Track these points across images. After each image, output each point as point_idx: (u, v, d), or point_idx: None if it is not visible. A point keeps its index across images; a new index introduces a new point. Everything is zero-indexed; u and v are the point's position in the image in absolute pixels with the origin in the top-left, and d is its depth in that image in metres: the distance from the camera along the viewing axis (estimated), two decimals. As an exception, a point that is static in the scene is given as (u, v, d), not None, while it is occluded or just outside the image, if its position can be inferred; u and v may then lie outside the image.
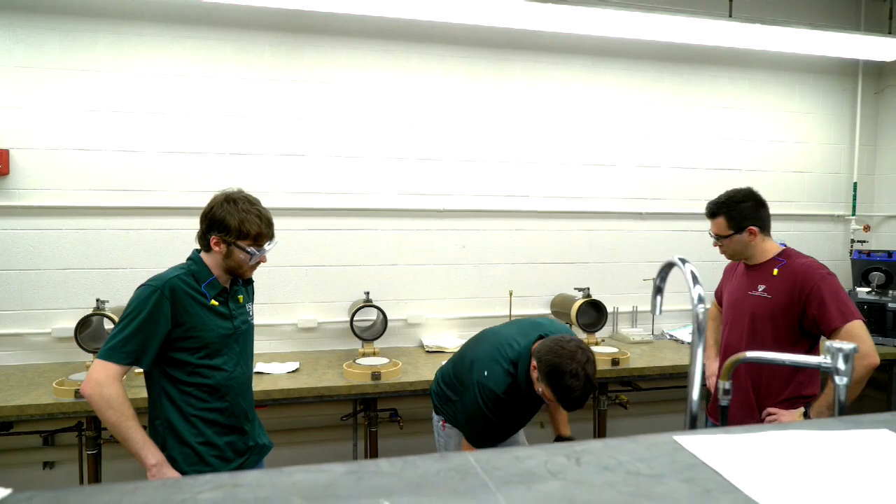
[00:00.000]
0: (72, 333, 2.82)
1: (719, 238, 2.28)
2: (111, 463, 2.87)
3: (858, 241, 4.26)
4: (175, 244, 3.19)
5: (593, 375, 1.91)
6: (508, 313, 3.63)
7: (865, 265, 3.92)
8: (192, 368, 1.80)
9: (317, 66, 3.37)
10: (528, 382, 2.06)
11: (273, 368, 2.95)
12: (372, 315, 3.38)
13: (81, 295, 3.13)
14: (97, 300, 2.90)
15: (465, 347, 2.37)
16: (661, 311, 1.32)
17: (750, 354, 1.30)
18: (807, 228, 4.24)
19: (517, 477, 0.72)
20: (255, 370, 2.33)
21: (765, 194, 2.31)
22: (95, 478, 2.67)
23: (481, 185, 3.65)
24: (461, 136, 3.61)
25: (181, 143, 3.21)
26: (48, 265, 3.10)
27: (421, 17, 2.98)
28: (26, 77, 3.02)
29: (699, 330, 1.11)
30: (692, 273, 1.13)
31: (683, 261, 1.17)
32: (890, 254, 3.83)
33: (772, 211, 2.31)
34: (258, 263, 1.89)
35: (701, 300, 1.10)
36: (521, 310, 3.70)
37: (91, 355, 2.78)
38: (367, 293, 3.36)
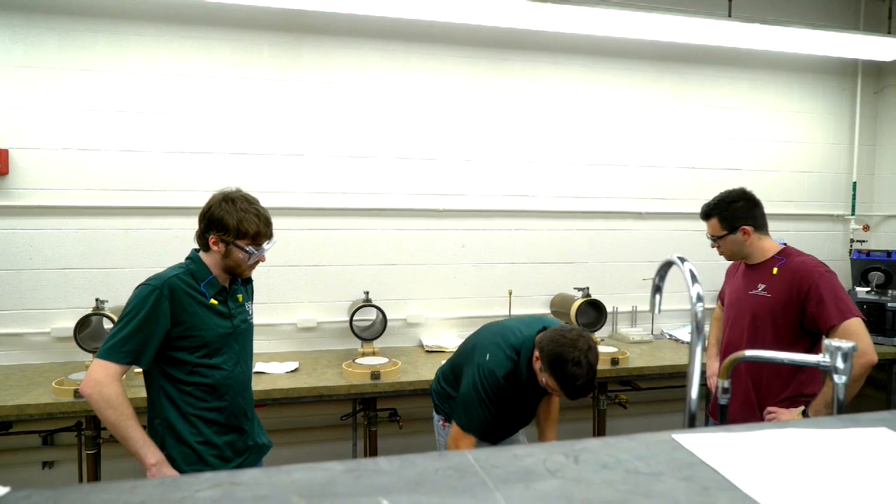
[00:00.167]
0: (71, 333, 2.82)
1: (715, 239, 2.30)
2: (110, 462, 2.87)
3: (858, 241, 4.27)
4: (174, 244, 3.19)
5: (596, 363, 1.93)
6: (508, 313, 3.63)
7: (865, 265, 3.93)
8: (191, 368, 1.80)
9: (316, 66, 3.37)
10: (529, 373, 2.06)
11: (272, 368, 2.95)
12: (371, 315, 3.38)
13: (81, 295, 3.13)
14: (96, 300, 2.90)
15: (467, 340, 2.36)
16: (660, 310, 1.32)
17: (749, 353, 1.30)
18: (806, 228, 4.24)
19: (516, 475, 0.72)
20: (254, 370, 2.33)
21: (764, 194, 2.31)
22: (95, 477, 2.66)
23: (481, 185, 3.65)
24: (461, 135, 3.61)
25: (180, 142, 3.21)
26: (47, 265, 3.10)
27: (421, 17, 2.98)
28: (26, 77, 3.02)
29: (698, 329, 1.11)
30: (691, 271, 1.13)
31: (682, 259, 1.17)
32: (889, 253, 3.83)
33: (771, 211, 2.32)
34: (257, 263, 1.89)
35: (700, 299, 1.10)
36: (521, 309, 3.70)
37: (90, 355, 2.78)
38: (367, 293, 3.36)
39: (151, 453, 1.71)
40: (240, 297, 1.95)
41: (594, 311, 3.47)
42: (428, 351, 3.39)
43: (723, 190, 2.32)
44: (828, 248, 4.28)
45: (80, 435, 2.74)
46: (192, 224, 1.88)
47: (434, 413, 2.42)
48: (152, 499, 0.64)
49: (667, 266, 1.28)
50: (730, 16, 3.28)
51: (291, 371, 2.94)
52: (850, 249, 4.26)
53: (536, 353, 2.00)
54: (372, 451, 2.95)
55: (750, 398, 2.23)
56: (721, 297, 2.58)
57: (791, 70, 4.12)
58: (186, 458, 1.80)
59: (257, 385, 2.53)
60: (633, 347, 3.52)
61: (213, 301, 1.83)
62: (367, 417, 2.92)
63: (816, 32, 3.30)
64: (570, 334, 1.94)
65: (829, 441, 0.85)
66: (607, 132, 3.85)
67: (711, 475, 0.74)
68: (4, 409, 2.40)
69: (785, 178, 4.17)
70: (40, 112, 3.04)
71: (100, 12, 3.09)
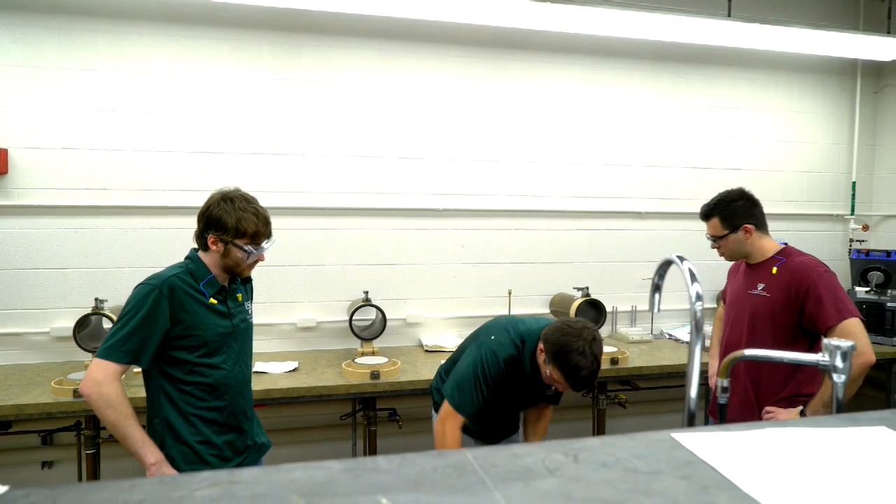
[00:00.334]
0: (70, 333, 2.82)
1: (716, 239, 2.29)
2: (110, 462, 2.87)
3: (857, 241, 4.27)
4: (174, 243, 3.18)
5: (600, 354, 1.94)
6: (508, 313, 3.63)
7: (864, 265, 3.93)
8: (190, 367, 1.80)
9: (316, 66, 3.37)
10: (532, 364, 2.06)
11: (272, 368, 2.95)
12: (371, 314, 3.38)
13: (80, 294, 3.13)
14: (96, 299, 2.90)
15: (471, 335, 2.35)
16: (659, 309, 1.32)
17: (748, 352, 1.30)
18: (805, 228, 4.25)
19: (515, 474, 0.72)
20: (254, 369, 2.33)
21: (763, 194, 2.32)
22: (94, 477, 2.66)
23: (481, 185, 3.65)
24: (461, 135, 3.61)
25: (180, 142, 3.21)
26: (47, 264, 3.10)
27: (420, 16, 2.98)
28: (25, 76, 3.02)
29: (697, 328, 1.11)
30: (690, 271, 1.13)
31: (682, 258, 1.17)
32: (888, 253, 3.83)
33: (770, 210, 2.32)
34: (256, 262, 1.88)
35: (699, 297, 1.10)
36: (521, 309, 3.70)
37: (90, 354, 2.78)
38: (367, 292, 3.36)
39: (151, 453, 1.71)
40: (239, 296, 1.95)
41: (594, 311, 3.47)
42: (427, 351, 3.39)
43: (722, 189, 2.33)
44: (827, 247, 4.28)
45: (80, 435, 2.74)
46: (192, 223, 1.87)
47: (433, 412, 2.41)
48: (151, 497, 0.64)
49: (666, 265, 1.28)
50: (729, 16, 3.28)
51: (291, 371, 2.94)
52: (850, 249, 4.26)
53: (541, 346, 2.00)
54: (371, 451, 2.95)
55: (749, 398, 2.23)
56: (724, 296, 2.58)
57: (791, 70, 4.13)
58: (186, 458, 1.80)
59: (257, 385, 2.53)
60: (633, 347, 3.53)
61: (212, 300, 1.83)
62: (367, 417, 2.92)
63: (816, 32, 3.30)
64: (575, 325, 1.95)
65: (828, 440, 0.85)
66: (607, 132, 3.85)
67: (710, 474, 0.74)
68: (3, 409, 2.40)
69: (784, 177, 4.18)
70: (40, 111, 3.04)
71: (99, 12, 3.08)
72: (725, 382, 1.34)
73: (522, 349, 2.08)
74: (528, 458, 0.76)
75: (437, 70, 3.55)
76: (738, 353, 1.29)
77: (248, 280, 2.05)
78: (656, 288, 1.32)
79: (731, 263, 2.47)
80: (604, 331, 3.74)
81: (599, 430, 3.32)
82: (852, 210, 4.30)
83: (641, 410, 3.85)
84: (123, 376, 1.75)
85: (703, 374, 2.09)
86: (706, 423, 2.47)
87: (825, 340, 1.14)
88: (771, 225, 2.32)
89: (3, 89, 3.00)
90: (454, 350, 2.48)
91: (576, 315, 3.32)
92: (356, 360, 2.98)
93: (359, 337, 3.23)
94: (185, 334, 1.77)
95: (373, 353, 3.18)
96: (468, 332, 2.47)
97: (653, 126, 3.92)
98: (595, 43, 3.72)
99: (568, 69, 3.76)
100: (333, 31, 3.37)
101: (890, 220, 4.30)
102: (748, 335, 2.23)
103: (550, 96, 3.74)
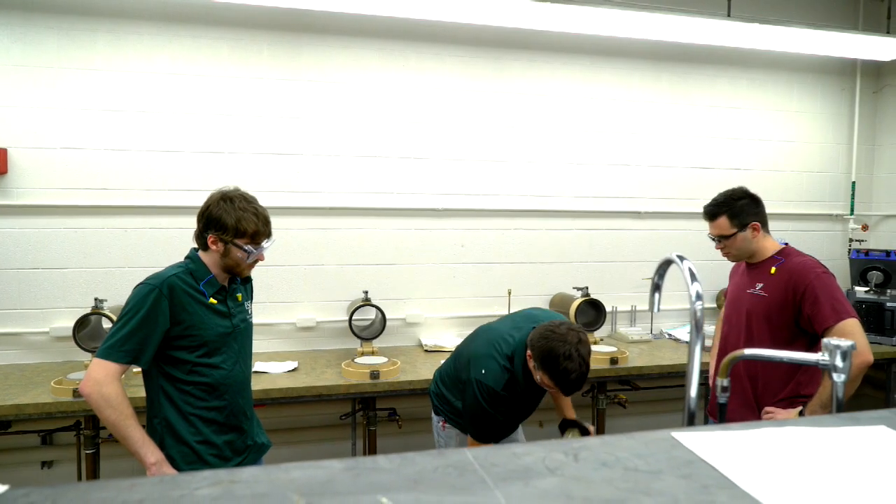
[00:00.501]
0: (70, 332, 2.81)
1: (721, 239, 2.27)
2: (109, 462, 2.87)
3: (857, 241, 4.27)
4: (173, 243, 3.18)
5: (588, 356, 1.92)
6: (507, 313, 3.62)
7: (864, 264, 3.93)
8: (190, 367, 1.80)
9: (315, 66, 3.37)
10: (527, 375, 2.06)
11: (272, 367, 2.95)
12: (371, 314, 3.38)
13: (80, 294, 3.13)
14: (95, 299, 2.90)
15: (461, 346, 2.37)
16: (658, 309, 1.32)
17: (748, 352, 1.29)
18: (805, 228, 4.25)
19: (515, 473, 0.72)
20: (253, 369, 2.33)
21: (763, 193, 2.31)
22: (94, 477, 2.66)
23: (480, 185, 3.65)
24: (461, 135, 3.61)
25: (180, 142, 3.21)
26: (46, 264, 3.09)
27: (421, 16, 2.98)
28: (24, 76, 3.01)
29: (697, 328, 1.11)
30: (690, 270, 1.13)
31: (681, 258, 1.17)
32: (888, 253, 3.83)
33: (770, 210, 2.32)
34: (256, 262, 1.88)
35: (699, 297, 1.10)
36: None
37: (89, 354, 2.77)
38: (366, 292, 3.36)
39: (151, 452, 1.71)
40: (239, 296, 1.95)
41: (593, 311, 3.47)
42: (427, 350, 3.39)
43: (722, 189, 2.32)
44: (827, 247, 4.28)
45: (79, 434, 2.74)
46: (192, 223, 1.87)
47: (433, 414, 2.42)
48: (151, 497, 0.64)
49: (666, 265, 1.28)
50: (729, 15, 3.28)
51: (290, 370, 2.94)
52: (849, 249, 4.26)
53: (529, 353, 2.00)
54: (371, 451, 2.95)
55: (749, 398, 2.23)
56: (727, 296, 2.58)
57: (790, 70, 4.13)
58: (185, 458, 1.80)
59: (256, 384, 2.53)
60: (633, 347, 3.53)
61: (212, 300, 1.83)
62: (367, 417, 2.92)
63: (816, 32, 3.30)
64: (560, 329, 1.93)
65: (828, 439, 0.85)
66: (606, 132, 3.85)
67: (710, 473, 0.74)
68: (3, 409, 2.40)
69: (784, 177, 4.18)
70: (39, 111, 3.04)
71: (99, 11, 3.08)
72: (725, 382, 1.34)
73: (513, 368, 2.08)
74: (528, 458, 0.76)
75: (438, 70, 3.55)
76: (737, 353, 1.29)
77: (248, 280, 2.05)
78: (656, 287, 1.32)
79: (732, 263, 2.47)
80: (603, 330, 3.74)
81: (599, 429, 3.31)
82: (852, 210, 4.30)
83: (641, 410, 3.85)
84: (123, 376, 1.75)
85: (703, 373, 2.09)
86: (705, 422, 2.47)
87: (825, 340, 1.14)
88: (771, 225, 2.32)
89: (3, 89, 2.99)
90: (453, 350, 2.48)
91: (576, 315, 3.32)
92: (356, 360, 2.98)
93: (358, 337, 3.23)
94: (184, 334, 1.77)
95: (372, 353, 3.18)
96: (468, 332, 2.47)
97: (652, 126, 3.92)
98: (595, 43, 3.72)
99: (568, 69, 3.76)
100: (334, 31, 3.37)
101: (889, 220, 4.30)
102: (745, 334, 2.23)
103: (551, 96, 3.74)
